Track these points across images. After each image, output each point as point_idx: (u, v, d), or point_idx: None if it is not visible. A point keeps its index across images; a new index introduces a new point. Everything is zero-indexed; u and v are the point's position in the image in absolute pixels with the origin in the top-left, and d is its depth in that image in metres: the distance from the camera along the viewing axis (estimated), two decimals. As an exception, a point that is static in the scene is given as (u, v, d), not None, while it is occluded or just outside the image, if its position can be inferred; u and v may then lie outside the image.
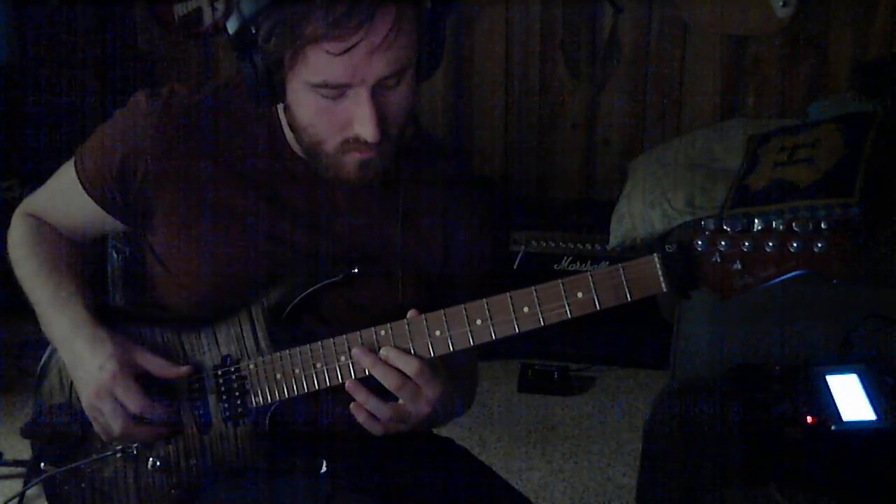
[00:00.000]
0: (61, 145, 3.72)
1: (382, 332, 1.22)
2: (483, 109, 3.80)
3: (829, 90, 3.41)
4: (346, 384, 1.21)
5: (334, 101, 1.17)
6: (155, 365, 1.30)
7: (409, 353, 1.20)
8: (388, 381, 1.20)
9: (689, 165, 3.17)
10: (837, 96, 3.26)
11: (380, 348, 1.21)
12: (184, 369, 1.30)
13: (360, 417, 1.22)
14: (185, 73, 3.96)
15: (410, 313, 1.21)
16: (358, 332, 1.23)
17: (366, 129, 1.17)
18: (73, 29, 3.92)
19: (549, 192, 3.83)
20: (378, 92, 1.17)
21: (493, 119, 3.81)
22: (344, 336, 1.24)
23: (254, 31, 1.14)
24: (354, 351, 1.21)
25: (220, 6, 3.82)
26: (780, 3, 3.29)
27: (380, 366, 1.20)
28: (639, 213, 3.08)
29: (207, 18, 3.85)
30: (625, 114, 3.70)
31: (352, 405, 1.22)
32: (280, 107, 1.28)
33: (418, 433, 1.43)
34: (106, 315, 1.35)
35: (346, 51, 1.11)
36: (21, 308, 1.41)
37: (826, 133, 2.72)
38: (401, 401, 1.21)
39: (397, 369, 1.20)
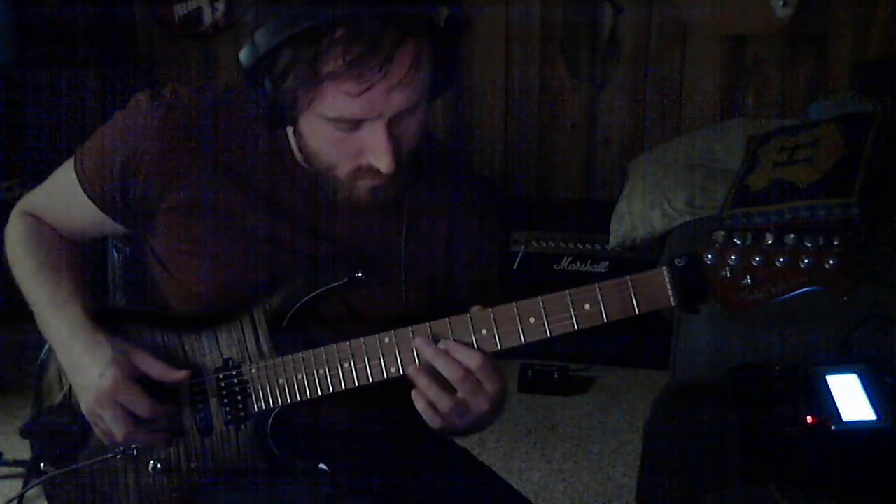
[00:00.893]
0: (61, 145, 3.72)
1: (386, 339, 1.21)
2: (483, 109, 3.80)
3: (829, 90, 3.41)
4: (409, 370, 1.19)
5: (349, 132, 1.16)
6: (155, 369, 1.29)
7: (472, 346, 1.18)
8: (450, 372, 1.17)
9: (689, 165, 3.17)
10: (837, 96, 3.26)
11: (437, 340, 1.18)
12: (183, 373, 1.29)
13: (420, 405, 1.19)
14: (185, 73, 3.96)
15: (474, 309, 1.19)
16: (361, 339, 1.22)
17: (381, 160, 1.16)
18: (73, 29, 3.92)
19: (549, 192, 3.83)
20: (394, 122, 1.16)
21: (493, 119, 3.81)
22: (347, 342, 1.23)
23: (268, 65, 1.12)
24: (417, 341, 1.19)
25: (220, 6, 3.83)
26: (780, 3, 3.30)
27: (441, 357, 1.18)
28: (639, 213, 3.08)
29: (207, 18, 3.85)
30: (625, 114, 3.70)
31: (413, 392, 1.19)
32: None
33: (420, 434, 1.43)
34: (106, 317, 1.34)
35: (366, 90, 1.10)
36: (21, 308, 1.40)
37: (826, 133, 2.72)
38: (460, 394, 1.18)
39: (459, 362, 1.18)
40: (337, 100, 1.11)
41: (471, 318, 1.18)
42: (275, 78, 1.12)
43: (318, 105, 1.13)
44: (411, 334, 1.20)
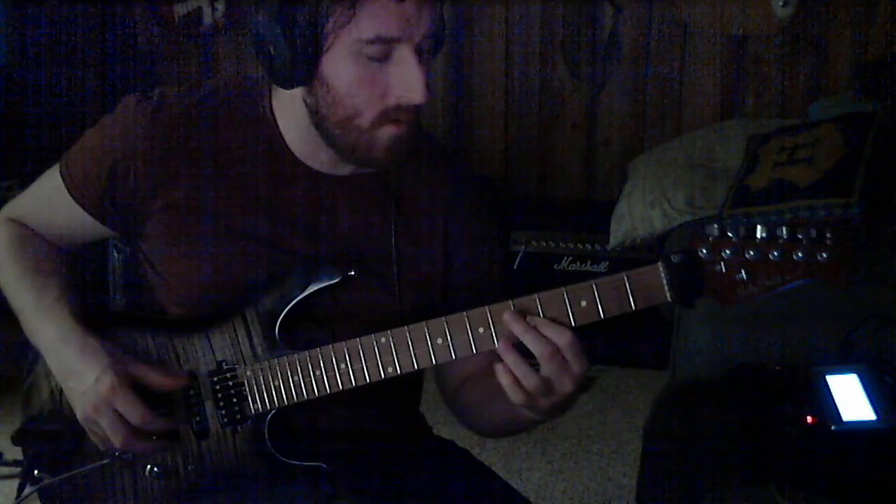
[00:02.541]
0: (61, 145, 3.71)
1: (383, 339, 1.20)
2: (483, 109, 3.80)
3: (829, 90, 3.41)
4: (499, 345, 1.16)
5: (378, 65, 1.17)
6: (152, 376, 1.26)
7: (563, 323, 1.15)
8: (539, 348, 1.14)
9: (689, 165, 3.17)
10: (837, 96, 3.26)
11: (526, 316, 1.15)
12: (182, 379, 1.27)
13: (505, 381, 1.15)
14: (185, 73, 3.96)
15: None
16: (358, 339, 1.21)
17: (414, 88, 1.17)
18: (73, 29, 3.92)
19: (549, 192, 3.83)
20: (419, 51, 1.17)
21: (493, 119, 3.81)
22: (343, 343, 1.22)
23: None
24: (506, 315, 1.15)
25: (220, 6, 3.82)
26: (780, 3, 3.30)
27: (531, 333, 1.15)
28: (639, 213, 3.08)
29: (207, 18, 3.85)
30: (625, 114, 3.70)
31: (499, 367, 1.16)
32: (280, 105, 1.27)
33: (420, 434, 1.43)
34: (96, 320, 1.32)
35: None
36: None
37: (826, 133, 2.72)
38: (545, 372, 1.15)
39: (548, 338, 1.15)
40: (375, 14, 1.13)
41: (467, 316, 1.17)
42: (310, 7, 1.13)
43: (352, 28, 1.14)
44: (407, 333, 1.19)
